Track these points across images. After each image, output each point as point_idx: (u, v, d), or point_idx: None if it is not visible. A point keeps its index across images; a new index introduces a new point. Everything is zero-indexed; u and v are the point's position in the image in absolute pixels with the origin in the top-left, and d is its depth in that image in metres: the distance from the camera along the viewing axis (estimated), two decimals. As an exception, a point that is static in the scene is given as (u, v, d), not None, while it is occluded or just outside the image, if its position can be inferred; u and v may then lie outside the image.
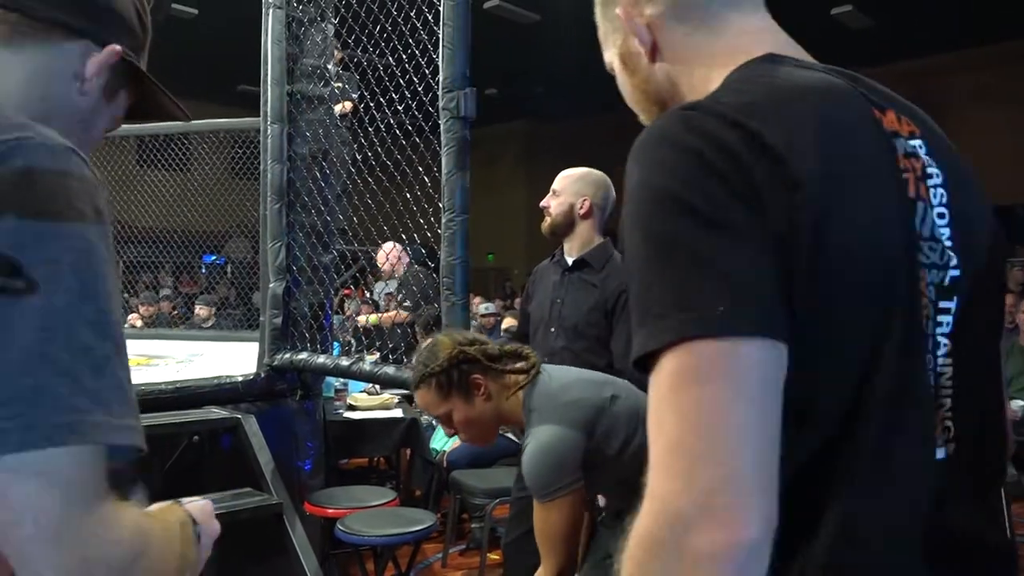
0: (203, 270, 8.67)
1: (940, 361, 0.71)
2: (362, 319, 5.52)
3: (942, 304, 0.72)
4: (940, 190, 0.74)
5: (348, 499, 2.96)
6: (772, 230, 0.63)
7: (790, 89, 0.73)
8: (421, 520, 2.85)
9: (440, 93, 2.45)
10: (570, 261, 2.60)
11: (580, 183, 2.62)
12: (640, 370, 0.65)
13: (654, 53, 0.86)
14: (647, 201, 0.67)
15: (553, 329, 2.54)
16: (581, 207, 2.59)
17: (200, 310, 6.83)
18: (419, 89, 2.69)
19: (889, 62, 11.61)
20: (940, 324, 0.71)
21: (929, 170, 0.74)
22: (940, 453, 0.71)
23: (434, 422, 2.26)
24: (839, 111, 0.73)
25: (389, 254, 5.02)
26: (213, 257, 8.08)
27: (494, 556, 3.61)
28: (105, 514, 0.63)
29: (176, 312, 7.48)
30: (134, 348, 4.46)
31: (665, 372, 0.62)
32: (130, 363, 0.69)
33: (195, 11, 9.62)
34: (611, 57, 0.92)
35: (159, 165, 5.66)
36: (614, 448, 1.74)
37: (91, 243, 0.66)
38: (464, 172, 2.47)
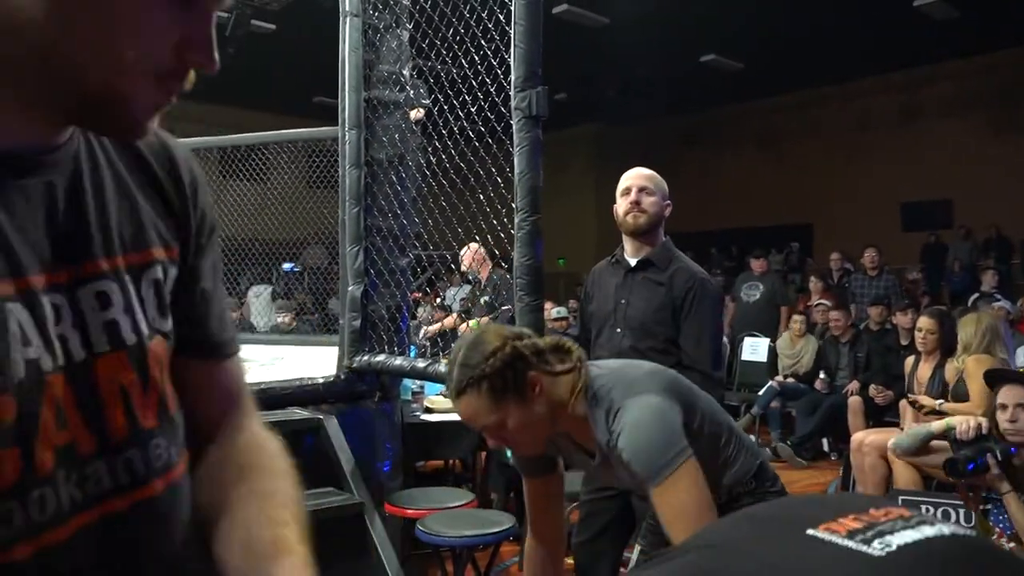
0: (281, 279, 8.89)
1: None
2: (433, 328, 5.52)
3: None
4: None
5: (427, 500, 2.99)
6: None
7: None
8: (500, 522, 2.85)
9: (512, 92, 2.46)
10: (633, 262, 2.59)
11: (663, 185, 2.62)
12: None
13: None
14: None
15: (619, 329, 2.54)
16: (666, 209, 2.60)
17: (282, 317, 6.97)
18: (491, 91, 2.70)
19: (975, 54, 11.14)
20: None
21: None
22: None
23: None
24: None
25: (475, 254, 4.88)
26: (291, 265, 8.28)
27: (569, 561, 3.58)
28: None
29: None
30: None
31: None
32: None
33: (273, 26, 9.93)
34: None
35: (240, 176, 5.83)
36: (696, 422, 1.62)
37: None
38: (537, 172, 2.48)
